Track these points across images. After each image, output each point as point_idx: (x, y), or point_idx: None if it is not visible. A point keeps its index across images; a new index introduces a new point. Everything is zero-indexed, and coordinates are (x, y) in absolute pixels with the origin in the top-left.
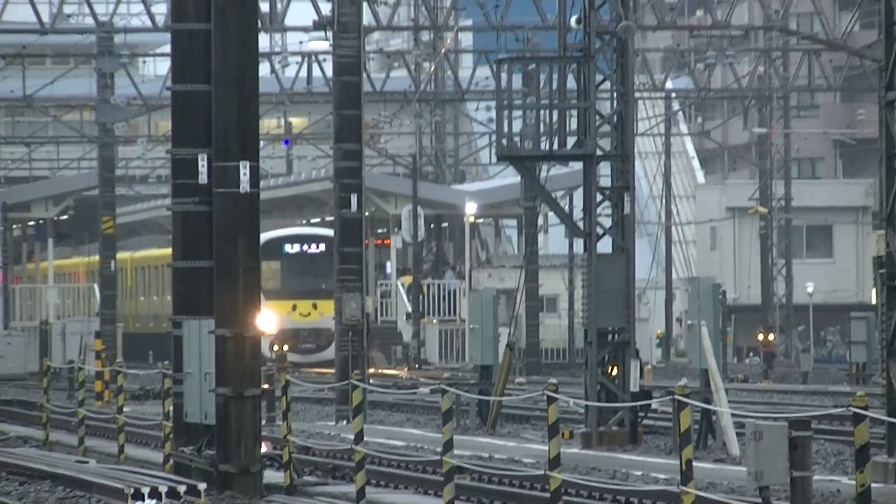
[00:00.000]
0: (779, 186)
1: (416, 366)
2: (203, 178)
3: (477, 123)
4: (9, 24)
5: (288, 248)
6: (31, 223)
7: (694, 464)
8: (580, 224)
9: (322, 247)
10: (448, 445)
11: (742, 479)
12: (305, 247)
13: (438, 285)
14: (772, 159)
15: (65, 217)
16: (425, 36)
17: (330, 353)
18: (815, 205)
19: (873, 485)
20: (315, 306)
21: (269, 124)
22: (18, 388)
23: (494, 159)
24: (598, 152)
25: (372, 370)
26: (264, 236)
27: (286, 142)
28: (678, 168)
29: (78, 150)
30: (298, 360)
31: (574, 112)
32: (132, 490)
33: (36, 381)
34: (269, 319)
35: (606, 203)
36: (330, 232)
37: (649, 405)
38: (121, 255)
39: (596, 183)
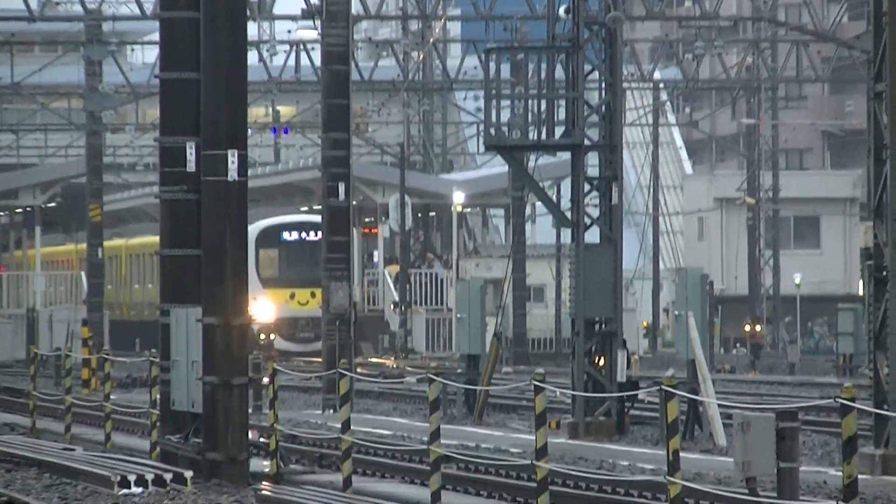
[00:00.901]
0: (767, 177)
1: (403, 355)
2: (191, 166)
3: (465, 113)
4: None
5: (286, 235)
6: (19, 210)
7: (681, 454)
8: (568, 214)
9: (321, 234)
10: (435, 435)
11: (729, 469)
12: (304, 234)
13: (425, 274)
14: (760, 150)
15: (52, 204)
16: (414, 25)
17: None
18: (803, 196)
19: (860, 476)
20: (313, 295)
21: (256, 113)
22: (5, 375)
23: (482, 149)
24: (587, 142)
25: (359, 360)
26: (262, 224)
27: (286, 130)
28: (666, 158)
29: (66, 138)
30: (296, 349)
31: (562, 102)
32: (119, 477)
33: (23, 369)
34: (266, 308)
35: (594, 193)
36: None
37: (636, 395)
38: (115, 243)
39: (584, 173)
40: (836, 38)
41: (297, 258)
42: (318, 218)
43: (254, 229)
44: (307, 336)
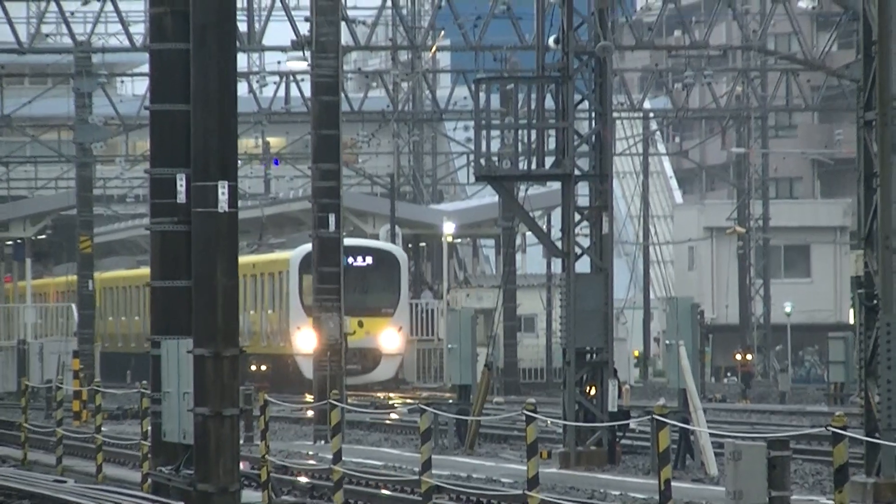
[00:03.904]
0: (756, 206)
1: (394, 385)
2: (181, 197)
3: (455, 143)
4: None
5: None
6: (9, 243)
7: (672, 483)
8: (558, 244)
9: (369, 259)
10: (426, 465)
11: (721, 498)
12: (350, 259)
13: (416, 305)
14: (749, 179)
15: (42, 237)
16: (403, 56)
17: (378, 374)
18: (793, 225)
19: None
20: (361, 324)
21: (247, 144)
22: None
23: (472, 179)
24: (577, 172)
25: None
26: (306, 248)
27: (276, 161)
28: (656, 188)
29: (56, 170)
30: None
31: (552, 132)
32: None
33: (14, 401)
34: (310, 338)
35: (584, 223)
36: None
37: (627, 425)
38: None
39: (574, 203)
40: (825, 66)
41: (344, 285)
42: (366, 241)
43: (297, 254)
44: (353, 368)
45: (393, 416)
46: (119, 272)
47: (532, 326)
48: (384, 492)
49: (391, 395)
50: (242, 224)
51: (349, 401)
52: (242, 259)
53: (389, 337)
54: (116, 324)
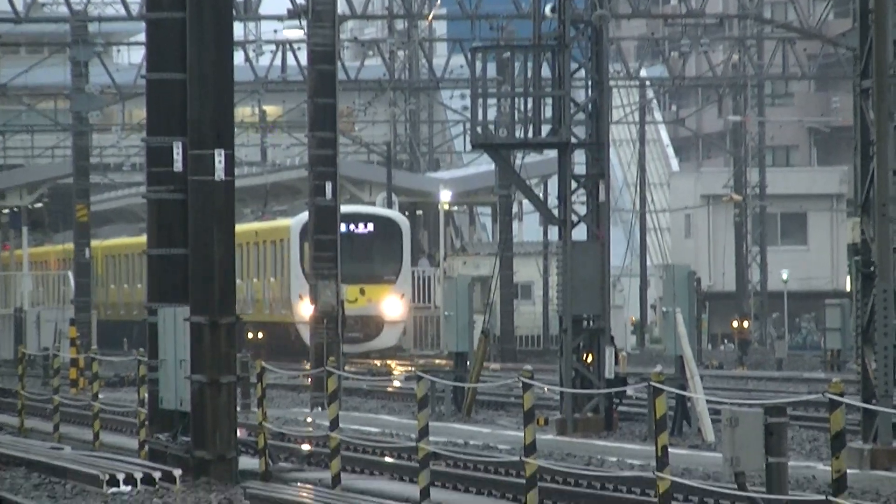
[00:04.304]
0: (753, 174)
1: (392, 353)
2: (178, 166)
3: (451, 112)
4: None
5: None
6: (6, 211)
7: (669, 450)
8: (555, 212)
9: (371, 226)
10: (423, 432)
11: (717, 465)
12: (353, 226)
13: (413, 273)
14: (746, 147)
15: (39, 205)
16: (400, 24)
17: (379, 341)
18: (790, 192)
19: (849, 471)
20: (363, 291)
21: (243, 112)
22: None
23: (469, 147)
24: (573, 140)
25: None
26: (306, 215)
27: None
28: (652, 156)
29: (52, 139)
30: (345, 349)
31: (549, 100)
32: (107, 476)
33: (11, 369)
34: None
35: (581, 191)
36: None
37: (624, 392)
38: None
39: (571, 171)
40: (821, 35)
41: (345, 252)
42: (368, 208)
43: (297, 222)
44: (355, 336)
45: (396, 383)
46: (120, 239)
47: (529, 294)
48: (382, 458)
49: (388, 362)
50: (247, 191)
51: (347, 369)
52: (245, 226)
53: (392, 304)
54: (119, 292)
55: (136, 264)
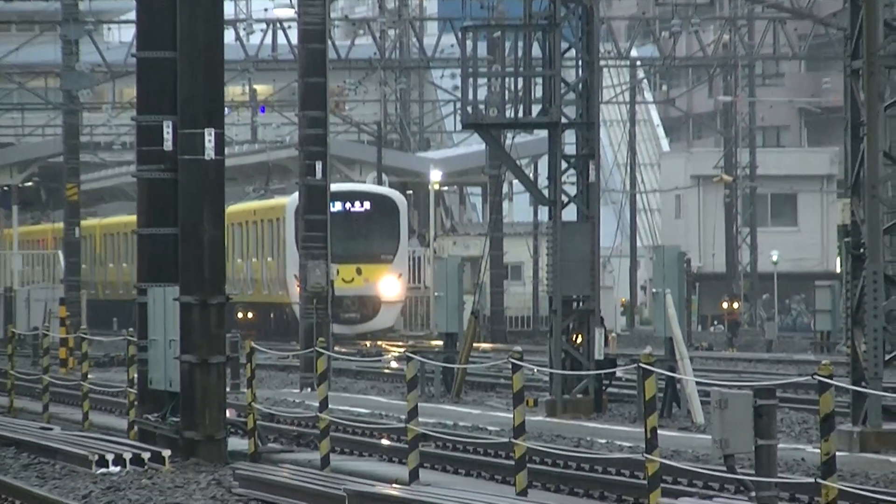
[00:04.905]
0: (743, 155)
1: (382, 333)
2: (168, 145)
3: (442, 91)
4: None
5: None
6: None
7: (659, 432)
8: (545, 192)
9: (367, 205)
10: (413, 413)
11: (707, 447)
12: (349, 205)
13: None
14: (737, 127)
15: (29, 184)
16: (390, 3)
17: (376, 322)
18: (780, 173)
19: (838, 453)
20: (359, 271)
21: (233, 91)
22: None
23: (459, 127)
24: (563, 120)
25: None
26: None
27: (262, 109)
28: (643, 136)
29: (43, 117)
30: (341, 330)
31: (539, 80)
32: (96, 456)
33: (0, 348)
34: None
35: (571, 171)
36: (377, 188)
37: (614, 373)
38: (89, 222)
39: (561, 151)
40: (812, 15)
41: (341, 231)
42: (365, 186)
43: (293, 200)
44: (352, 317)
45: (393, 364)
46: (119, 217)
47: (519, 274)
48: (371, 440)
49: (379, 343)
50: (249, 169)
51: (338, 349)
52: (244, 205)
53: (389, 284)
54: (118, 270)
55: (135, 243)
